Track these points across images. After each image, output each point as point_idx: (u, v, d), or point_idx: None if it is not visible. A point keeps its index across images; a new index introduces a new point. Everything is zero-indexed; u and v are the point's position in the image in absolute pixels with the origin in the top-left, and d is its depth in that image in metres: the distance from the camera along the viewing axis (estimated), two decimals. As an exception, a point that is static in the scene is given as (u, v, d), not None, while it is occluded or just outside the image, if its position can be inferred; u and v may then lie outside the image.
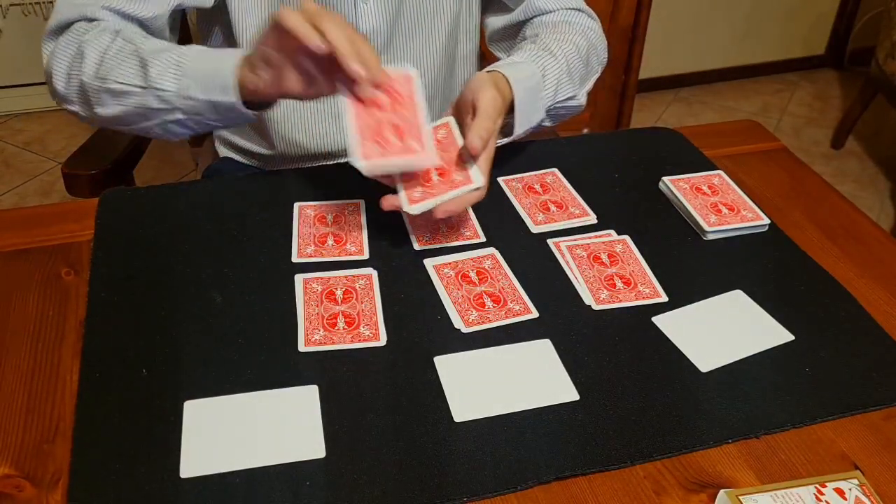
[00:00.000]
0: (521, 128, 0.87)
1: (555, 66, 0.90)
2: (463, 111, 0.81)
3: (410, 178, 0.75)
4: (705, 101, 2.89)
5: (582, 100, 0.96)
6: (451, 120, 0.80)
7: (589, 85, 0.98)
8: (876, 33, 2.45)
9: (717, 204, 0.86)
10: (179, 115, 0.81)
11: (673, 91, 2.93)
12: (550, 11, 1.02)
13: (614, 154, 0.97)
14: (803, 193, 0.93)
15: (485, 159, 0.78)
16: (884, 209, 2.38)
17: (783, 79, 3.06)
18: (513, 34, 1.07)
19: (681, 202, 0.87)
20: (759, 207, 0.86)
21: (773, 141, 1.04)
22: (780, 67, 3.06)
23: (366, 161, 0.70)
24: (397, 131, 0.73)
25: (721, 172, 0.92)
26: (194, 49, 0.80)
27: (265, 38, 0.74)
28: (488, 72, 0.84)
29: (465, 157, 0.77)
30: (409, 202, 0.73)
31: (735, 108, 2.85)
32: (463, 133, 0.78)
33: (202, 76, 0.78)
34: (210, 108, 0.79)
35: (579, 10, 1.03)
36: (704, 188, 0.89)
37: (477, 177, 0.76)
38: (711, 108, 2.85)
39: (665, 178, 0.90)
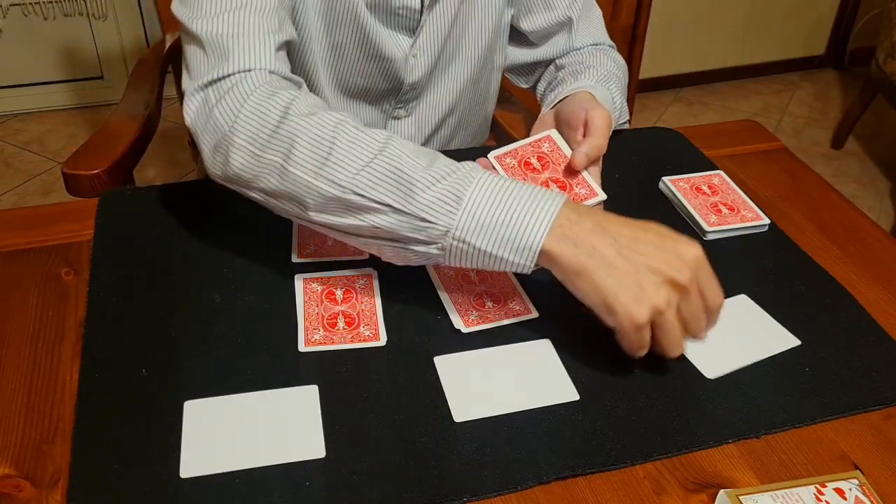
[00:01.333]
0: None
1: (618, 91, 0.93)
2: (571, 126, 0.84)
3: None
4: (705, 101, 2.89)
5: (628, 122, 1.00)
6: (553, 133, 0.82)
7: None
8: (876, 33, 2.45)
9: (717, 204, 0.86)
10: (425, 249, 0.65)
11: (673, 91, 2.93)
12: (579, 49, 1.03)
13: (614, 154, 0.97)
14: (803, 193, 0.93)
15: (596, 172, 0.80)
16: (884, 209, 2.38)
17: (783, 79, 3.06)
18: (538, 67, 1.07)
19: (681, 202, 0.87)
20: (759, 207, 0.86)
21: (773, 141, 1.04)
22: (780, 67, 3.06)
23: None
24: (560, 185, 0.77)
25: (721, 172, 0.92)
26: (477, 175, 0.64)
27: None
28: (578, 91, 0.87)
29: (580, 171, 0.79)
30: None
31: (735, 108, 2.85)
32: (572, 147, 0.81)
33: (490, 224, 0.62)
34: (480, 256, 0.64)
35: (611, 45, 1.05)
36: (704, 188, 0.89)
37: (600, 189, 0.78)
38: (712, 108, 2.85)
39: (665, 178, 0.90)
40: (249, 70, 0.70)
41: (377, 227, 0.65)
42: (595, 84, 0.90)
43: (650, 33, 2.26)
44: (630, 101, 2.35)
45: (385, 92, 0.96)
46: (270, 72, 0.71)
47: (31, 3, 2.40)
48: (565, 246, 0.62)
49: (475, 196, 0.63)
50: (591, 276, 0.62)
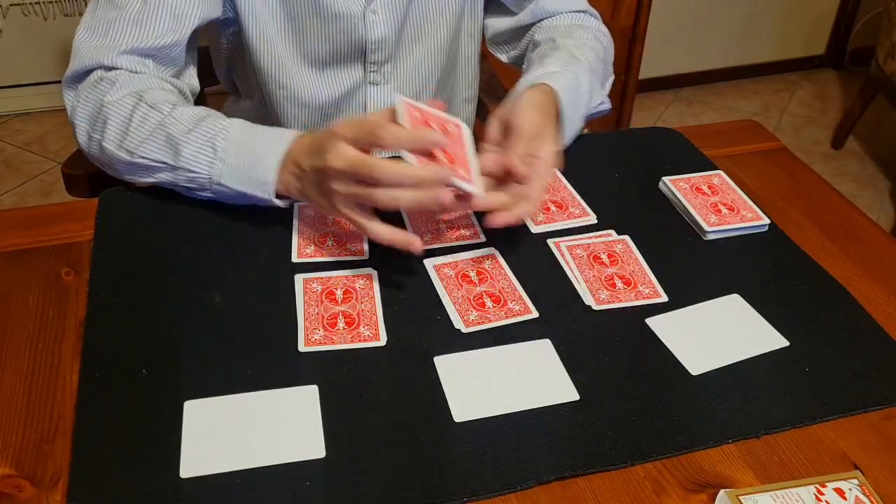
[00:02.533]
0: (567, 137, 0.88)
1: (586, 73, 0.90)
2: (502, 124, 0.81)
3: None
4: (705, 101, 2.89)
5: (608, 103, 0.98)
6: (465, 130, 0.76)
7: (608, 87, 0.99)
8: (876, 33, 2.45)
9: (717, 204, 0.86)
10: (209, 195, 0.80)
11: (673, 91, 2.93)
12: (556, 14, 1.02)
13: (614, 154, 0.97)
14: (803, 193, 0.93)
15: (542, 178, 0.76)
16: (884, 209, 2.38)
17: (783, 79, 3.06)
18: (517, 37, 1.07)
19: (681, 202, 0.87)
20: (759, 207, 0.86)
21: (773, 141, 1.04)
22: (780, 67, 3.06)
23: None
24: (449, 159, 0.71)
25: (721, 172, 0.92)
26: (231, 130, 0.78)
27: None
28: (533, 85, 0.83)
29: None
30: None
31: (735, 108, 2.85)
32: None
33: (238, 168, 0.77)
34: (241, 196, 0.78)
35: (584, 11, 1.03)
36: (704, 188, 0.89)
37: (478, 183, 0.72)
38: (711, 108, 2.85)
39: (665, 178, 0.90)
40: (97, 68, 0.84)
41: (165, 181, 0.81)
42: (560, 70, 0.87)
43: (650, 33, 2.26)
44: (630, 100, 2.36)
45: (352, 55, 0.97)
46: (110, 68, 0.84)
47: (31, 3, 2.40)
48: (286, 182, 0.76)
49: (226, 146, 0.77)
50: (309, 200, 0.77)
